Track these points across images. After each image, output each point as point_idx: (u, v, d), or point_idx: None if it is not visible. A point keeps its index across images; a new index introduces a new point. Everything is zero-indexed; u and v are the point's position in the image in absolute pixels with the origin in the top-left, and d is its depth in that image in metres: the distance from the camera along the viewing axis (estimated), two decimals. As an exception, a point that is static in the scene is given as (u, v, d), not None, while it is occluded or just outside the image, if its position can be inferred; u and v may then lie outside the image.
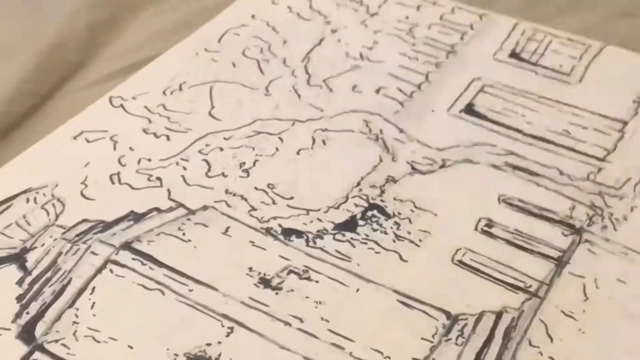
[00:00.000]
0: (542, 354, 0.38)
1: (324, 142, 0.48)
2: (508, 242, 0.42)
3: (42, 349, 0.37)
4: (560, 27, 0.54)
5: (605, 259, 0.41)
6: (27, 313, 0.39)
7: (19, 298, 0.39)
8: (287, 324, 0.39)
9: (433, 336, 0.38)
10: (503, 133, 0.48)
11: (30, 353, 0.37)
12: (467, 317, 0.39)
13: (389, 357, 0.38)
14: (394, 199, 0.44)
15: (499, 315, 0.39)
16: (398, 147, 0.47)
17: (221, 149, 0.47)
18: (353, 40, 0.54)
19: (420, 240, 0.43)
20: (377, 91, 0.51)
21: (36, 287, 0.40)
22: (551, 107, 0.49)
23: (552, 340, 0.38)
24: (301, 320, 0.39)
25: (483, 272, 0.41)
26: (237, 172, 0.46)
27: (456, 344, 0.38)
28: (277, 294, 0.40)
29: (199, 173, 0.46)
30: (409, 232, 0.43)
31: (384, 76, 0.51)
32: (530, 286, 0.40)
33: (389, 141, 0.48)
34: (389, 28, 0.55)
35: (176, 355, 0.37)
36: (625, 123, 0.48)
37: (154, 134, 0.48)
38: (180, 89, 0.50)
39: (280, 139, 0.48)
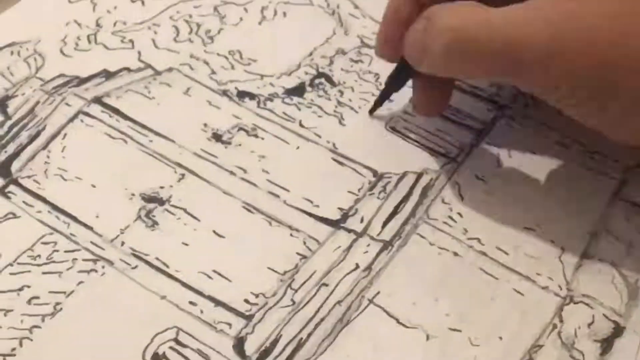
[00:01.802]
0: (451, 210, 0.43)
1: (284, 14, 0.52)
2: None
3: (16, 182, 0.43)
4: None
5: (521, 132, 0.46)
6: (5, 152, 0.44)
7: (-1, 139, 0.45)
8: (232, 173, 0.44)
9: (359, 190, 0.44)
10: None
11: (6, 186, 0.43)
12: (391, 176, 0.44)
13: (318, 206, 0.43)
14: (341, 69, 0.49)
15: (419, 175, 0.44)
16: (352, 22, 0.52)
17: (190, 16, 0.52)
18: None
19: (359, 107, 0.47)
20: (339, -32, 0.54)
21: (14, 130, 0.45)
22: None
23: (462, 198, 0.44)
24: (245, 171, 0.44)
25: (412, 139, 0.46)
26: (202, 39, 0.50)
27: (378, 198, 0.43)
28: (226, 147, 0.45)
29: (168, 38, 0.50)
30: (350, 100, 0.48)
31: (348, -45, 0.55)
32: (451, 152, 0.45)
33: (344, 16, 0.52)
34: None
35: (132, 194, 0.43)
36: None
37: (131, -1, 0.52)
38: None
39: (245, 9, 0.52)
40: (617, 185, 0.44)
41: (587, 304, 0.40)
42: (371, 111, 0.47)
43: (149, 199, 0.42)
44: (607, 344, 0.38)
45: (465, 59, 0.38)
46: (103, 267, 0.40)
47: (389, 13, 0.43)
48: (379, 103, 0.46)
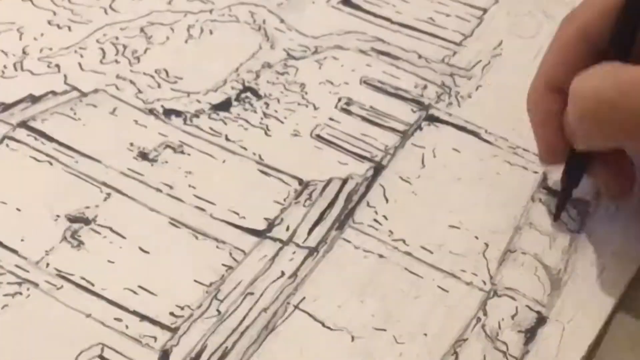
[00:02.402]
0: (377, 213, 0.43)
1: (211, 32, 0.52)
2: (363, 118, 0.48)
3: (-60, 211, 0.43)
4: None
5: (445, 132, 0.47)
6: None
7: None
8: (158, 190, 0.44)
9: (285, 199, 0.44)
10: (374, 22, 0.53)
11: None
12: (316, 183, 0.45)
13: (244, 217, 0.43)
14: (267, 82, 0.50)
15: (344, 181, 0.45)
16: (278, 36, 0.52)
17: (117, 38, 0.52)
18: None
19: (285, 118, 0.48)
20: (265, -15, 0.55)
21: (-61, 158, 0.45)
22: (420, -2, 0.54)
23: (387, 201, 0.44)
24: (171, 187, 0.45)
25: (337, 145, 0.46)
26: (129, 59, 0.51)
27: (304, 206, 0.44)
28: (152, 165, 0.45)
29: (94, 60, 0.51)
30: (275, 111, 0.48)
31: (273, -29, 0.56)
32: (376, 156, 0.46)
33: (269, 31, 0.52)
34: None
35: (58, 216, 0.43)
36: (485, 10, 0.53)
37: (57, 25, 0.52)
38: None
39: (172, 29, 0.53)
40: (540, 179, 0.44)
41: (510, 297, 0.40)
42: (556, 217, 0.43)
43: (74, 219, 0.43)
44: (530, 333, 0.39)
45: (601, 124, 0.36)
46: (28, 289, 0.40)
47: (540, 118, 0.41)
48: (561, 207, 0.43)
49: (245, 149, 0.46)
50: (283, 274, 0.41)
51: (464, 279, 0.41)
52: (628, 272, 0.41)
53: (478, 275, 0.41)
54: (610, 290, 0.40)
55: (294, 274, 0.41)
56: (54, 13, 0.53)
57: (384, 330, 0.39)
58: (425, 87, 0.48)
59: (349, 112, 0.48)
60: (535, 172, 0.45)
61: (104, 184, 0.44)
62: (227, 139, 0.47)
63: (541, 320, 0.39)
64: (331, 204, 0.44)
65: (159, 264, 0.41)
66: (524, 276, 0.41)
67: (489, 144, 0.46)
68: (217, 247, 0.42)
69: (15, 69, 0.50)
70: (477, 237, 0.42)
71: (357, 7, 0.53)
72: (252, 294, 0.40)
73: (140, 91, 0.49)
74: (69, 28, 0.53)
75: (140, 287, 0.40)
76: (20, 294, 0.40)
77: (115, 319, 0.39)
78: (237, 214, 0.43)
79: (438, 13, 0.53)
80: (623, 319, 0.40)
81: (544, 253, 0.41)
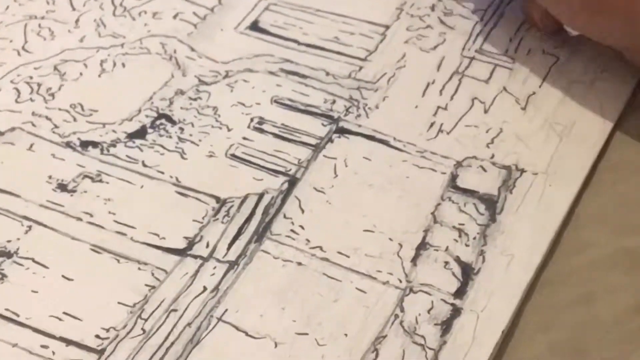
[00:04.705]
0: (293, 223, 0.45)
1: (123, 65, 0.54)
2: (275, 135, 0.49)
3: None
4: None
5: (355, 142, 0.48)
6: None
7: None
8: (78, 219, 0.45)
9: (203, 218, 0.45)
10: (281, 44, 0.54)
11: None
12: (234, 200, 0.46)
13: (164, 238, 0.44)
14: (181, 108, 0.51)
15: (261, 196, 0.46)
16: (189, 63, 0.54)
17: (31, 77, 0.53)
18: (156, -27, 0.60)
19: (200, 140, 0.49)
20: (175, 16, 0.57)
21: None
22: (325, 19, 0.55)
23: (303, 212, 0.45)
24: (91, 215, 0.45)
25: (252, 162, 0.48)
26: (43, 97, 0.52)
27: (222, 223, 0.45)
28: (71, 195, 0.46)
29: (9, 100, 0.51)
30: (190, 135, 0.49)
31: (182, 2, 0.57)
32: (290, 170, 0.47)
33: (180, 59, 0.54)
34: (190, -41, 0.60)
35: (-22, 255, 0.44)
36: (387, 27, 0.55)
37: (-30, 71, 0.53)
38: (-4, 28, 0.56)
39: (85, 65, 0.54)
40: (449, 179, 0.46)
41: (425, 292, 0.42)
42: None
43: (-5, 256, 0.43)
44: (446, 325, 0.40)
45: None
46: (-48, 324, 0.40)
47: None
48: None
49: (162, 172, 0.47)
50: (205, 288, 0.42)
51: (380, 279, 0.42)
52: (535, 259, 0.42)
53: (394, 275, 0.42)
54: (519, 277, 0.42)
55: (216, 288, 0.42)
56: (-33, 59, 0.54)
57: (306, 334, 0.40)
58: (334, 101, 0.50)
59: (261, 131, 0.49)
60: (444, 173, 0.46)
61: (25, 217, 0.45)
62: (144, 164, 0.48)
63: (456, 311, 0.41)
64: (249, 219, 0.45)
65: (82, 289, 0.42)
66: (438, 271, 0.42)
67: (398, 150, 0.48)
68: (139, 268, 0.43)
69: None
70: (391, 239, 0.43)
71: (265, 31, 0.55)
72: (175, 310, 0.41)
73: (56, 126, 0.50)
74: (-18, 72, 0.53)
75: (65, 313, 0.41)
76: (-55, 329, 0.40)
77: (41, 346, 0.40)
78: (157, 235, 0.44)
79: (342, 32, 0.54)
80: (535, 303, 0.41)
81: (455, 248, 0.43)
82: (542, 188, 0.45)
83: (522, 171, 0.46)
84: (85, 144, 0.49)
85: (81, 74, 0.53)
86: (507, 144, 0.47)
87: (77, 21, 0.57)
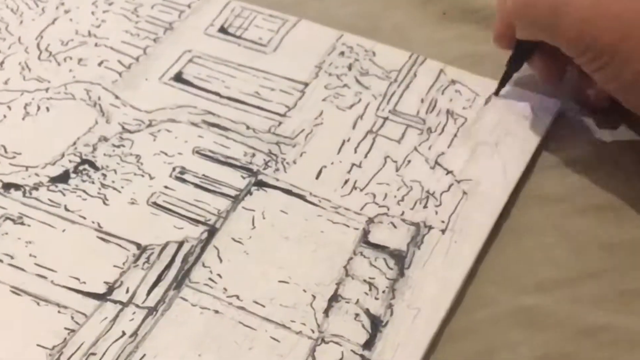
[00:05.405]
0: (212, 272, 0.46)
1: (47, 109, 0.55)
2: (196, 185, 0.51)
3: None
4: (264, 5, 0.62)
5: (273, 195, 0.51)
6: None
7: None
8: (-1, 261, 0.46)
9: (124, 264, 0.47)
10: (204, 96, 0.56)
11: None
12: (154, 247, 0.47)
13: (85, 282, 0.46)
14: (104, 154, 0.52)
15: (180, 244, 0.48)
16: (113, 111, 0.55)
17: (-47, 120, 0.54)
18: (83, 20, 0.61)
19: (122, 187, 0.50)
20: (100, 64, 0.58)
21: None
22: (247, 73, 0.58)
23: (221, 261, 0.47)
24: (12, 257, 0.46)
25: (172, 211, 0.49)
26: (-34, 140, 0.52)
27: (142, 269, 0.46)
28: (-8, 238, 0.47)
29: None
30: (113, 181, 0.51)
31: (107, 51, 0.59)
32: (210, 220, 0.49)
33: (105, 107, 0.55)
34: (117, 8, 0.62)
35: None
36: (307, 84, 0.57)
37: None
38: None
39: (9, 107, 0.55)
40: (361, 234, 0.49)
41: (336, 343, 0.44)
42: (497, 92, 0.56)
43: None
44: (355, 375, 0.42)
45: (521, 18, 0.50)
46: None
47: (497, 10, 0.53)
48: (502, 83, 0.55)
49: (84, 217, 0.48)
50: (124, 333, 0.43)
51: (294, 329, 0.44)
52: (440, 314, 0.45)
53: (307, 325, 0.44)
54: (424, 330, 0.44)
55: (135, 333, 0.43)
56: None
57: (221, 380, 0.42)
58: (253, 155, 0.52)
59: (183, 180, 0.51)
60: (356, 229, 0.49)
61: (-56, 259, 0.45)
62: (66, 209, 0.49)
63: (364, 361, 0.43)
64: (168, 266, 0.46)
65: (1, 331, 0.43)
66: (348, 323, 0.45)
67: (313, 205, 0.50)
68: (59, 311, 0.44)
69: None
70: (305, 290, 0.46)
71: (188, 83, 0.57)
72: (94, 354, 0.42)
73: (-22, 168, 0.50)
74: None
75: (-17, 354, 0.42)
76: None
77: (-42, 386, 0.40)
78: (78, 279, 0.45)
79: (263, 87, 0.57)
80: (438, 357, 0.44)
81: (365, 300, 0.45)
82: (447, 245, 0.48)
83: (430, 228, 0.49)
84: (7, 186, 0.50)
85: (5, 116, 0.54)
86: (417, 202, 0.50)
87: (2, 63, 0.58)
